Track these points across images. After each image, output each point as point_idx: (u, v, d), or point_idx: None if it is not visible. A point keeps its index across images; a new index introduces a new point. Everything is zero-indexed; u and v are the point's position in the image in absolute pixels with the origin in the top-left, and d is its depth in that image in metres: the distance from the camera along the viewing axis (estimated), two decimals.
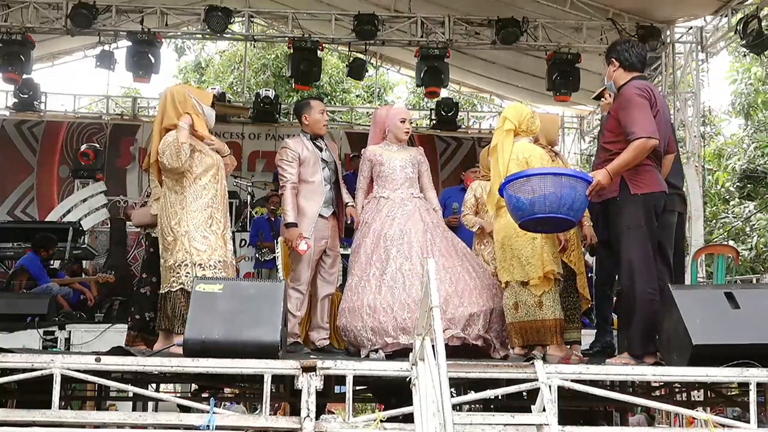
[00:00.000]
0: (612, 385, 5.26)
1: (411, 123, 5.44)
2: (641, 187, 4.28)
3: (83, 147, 11.45)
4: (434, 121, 13.15)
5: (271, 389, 3.91)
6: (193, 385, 6.82)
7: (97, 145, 11.81)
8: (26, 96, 12.30)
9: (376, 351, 4.78)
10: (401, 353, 4.66)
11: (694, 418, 4.71)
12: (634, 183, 4.28)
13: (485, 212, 5.81)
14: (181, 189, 4.72)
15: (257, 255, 9.34)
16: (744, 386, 4.33)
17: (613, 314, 5.56)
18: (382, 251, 4.96)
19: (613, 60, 4.49)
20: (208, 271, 4.63)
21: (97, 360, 3.91)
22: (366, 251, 5.03)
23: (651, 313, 4.25)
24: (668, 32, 10.56)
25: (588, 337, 5.59)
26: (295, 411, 4.02)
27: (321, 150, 5.42)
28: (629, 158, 4.20)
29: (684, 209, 5.43)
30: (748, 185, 15.83)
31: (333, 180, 5.44)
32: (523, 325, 4.75)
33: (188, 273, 4.60)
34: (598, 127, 13.22)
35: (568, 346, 5.02)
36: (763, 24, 8.88)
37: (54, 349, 6.01)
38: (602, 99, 5.72)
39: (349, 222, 5.49)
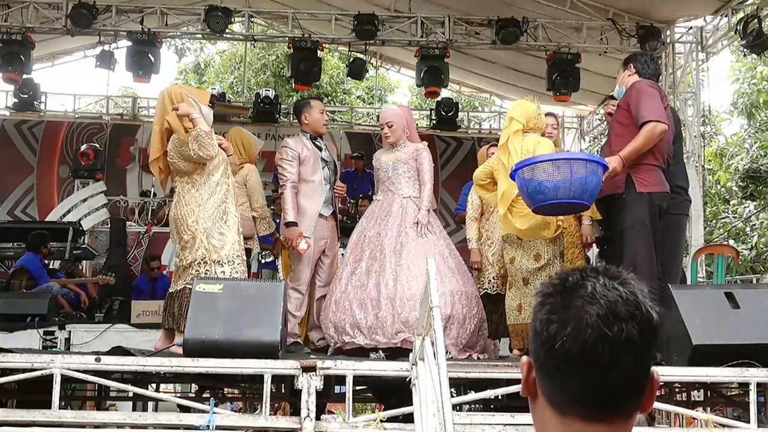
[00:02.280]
0: None
1: (390, 126, 5.29)
2: (647, 186, 4.30)
3: (83, 147, 11.42)
4: (434, 121, 13.14)
5: (271, 389, 3.91)
6: (194, 386, 6.82)
7: (97, 145, 11.78)
8: (26, 96, 12.30)
9: (340, 349, 4.90)
10: (362, 353, 4.73)
11: (694, 418, 4.71)
12: (641, 181, 4.31)
13: (491, 213, 5.79)
14: (194, 187, 4.73)
15: (259, 257, 9.32)
16: (744, 386, 4.33)
17: None
18: (358, 251, 5.07)
19: (631, 66, 4.62)
20: (227, 267, 4.65)
21: (97, 360, 3.91)
22: (348, 251, 5.18)
23: None
24: (668, 32, 10.55)
25: None
26: (295, 411, 4.02)
27: (320, 149, 5.42)
28: (640, 143, 4.25)
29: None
30: (751, 185, 15.82)
31: (332, 180, 5.44)
32: (524, 328, 4.75)
33: (208, 271, 4.60)
34: (598, 127, 13.25)
35: None
36: (763, 24, 8.87)
37: (54, 349, 6.00)
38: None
39: (341, 193, 5.59)
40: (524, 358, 1.15)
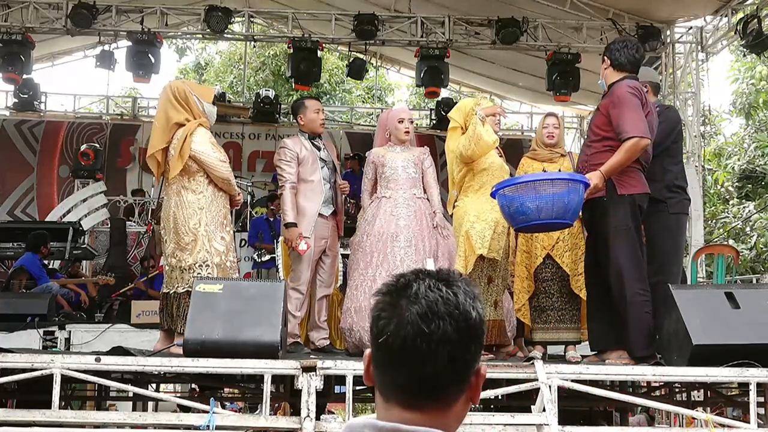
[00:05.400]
0: (612, 385, 5.27)
1: (412, 122, 5.42)
2: (628, 188, 4.27)
3: (83, 147, 11.43)
4: (434, 121, 13.15)
5: (271, 389, 3.91)
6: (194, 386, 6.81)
7: (97, 145, 11.78)
8: (26, 96, 12.30)
9: None
10: None
11: (694, 418, 4.71)
12: (621, 183, 4.28)
13: None
14: (198, 189, 4.70)
15: (255, 256, 9.34)
16: (744, 386, 4.33)
17: None
18: (389, 251, 4.98)
19: (605, 58, 4.51)
20: (225, 272, 4.65)
21: (97, 360, 3.91)
22: (369, 250, 5.05)
23: (644, 313, 4.24)
24: (668, 32, 10.55)
25: None
26: (295, 411, 4.02)
27: (319, 149, 5.41)
28: (623, 158, 4.19)
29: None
30: (748, 185, 15.81)
31: (332, 179, 5.43)
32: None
33: (210, 273, 4.57)
34: None
35: (565, 346, 5.04)
36: (763, 24, 8.88)
37: (54, 349, 6.00)
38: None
39: (345, 193, 5.53)
40: (366, 351, 1.27)
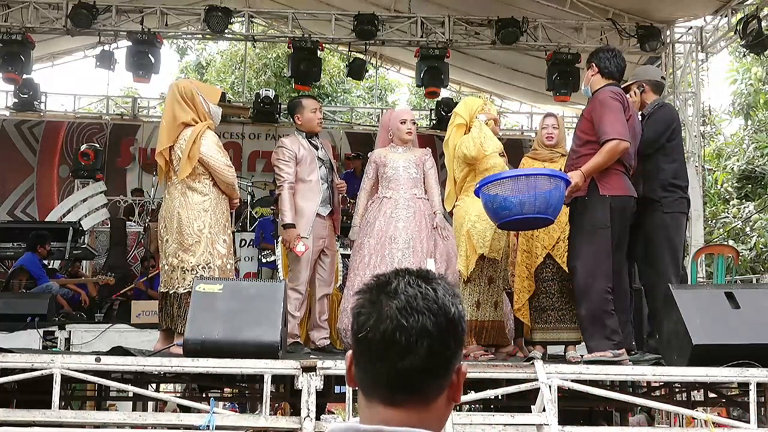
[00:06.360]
0: (612, 385, 5.26)
1: (414, 123, 5.42)
2: (608, 189, 4.33)
3: (83, 147, 11.44)
4: (434, 121, 13.14)
5: (271, 389, 3.91)
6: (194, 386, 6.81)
7: (97, 145, 11.78)
8: (26, 96, 12.29)
9: None
10: None
11: (694, 418, 4.71)
12: (602, 184, 4.34)
13: None
14: (205, 191, 4.70)
15: (260, 256, 9.35)
16: (744, 386, 4.33)
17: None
18: (386, 252, 4.99)
19: (593, 65, 4.57)
20: (225, 274, 4.67)
21: (97, 360, 3.91)
22: (368, 252, 5.05)
23: (603, 312, 4.27)
24: (668, 32, 10.55)
25: None
26: (295, 411, 4.03)
27: (317, 148, 5.40)
28: (602, 160, 4.27)
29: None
30: (747, 186, 15.81)
31: (329, 179, 5.42)
32: (481, 324, 4.89)
33: (212, 275, 4.57)
34: None
35: (565, 346, 5.04)
36: (762, 24, 8.88)
37: (54, 349, 6.00)
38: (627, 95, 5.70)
39: (342, 193, 5.52)
40: (348, 352, 1.28)
